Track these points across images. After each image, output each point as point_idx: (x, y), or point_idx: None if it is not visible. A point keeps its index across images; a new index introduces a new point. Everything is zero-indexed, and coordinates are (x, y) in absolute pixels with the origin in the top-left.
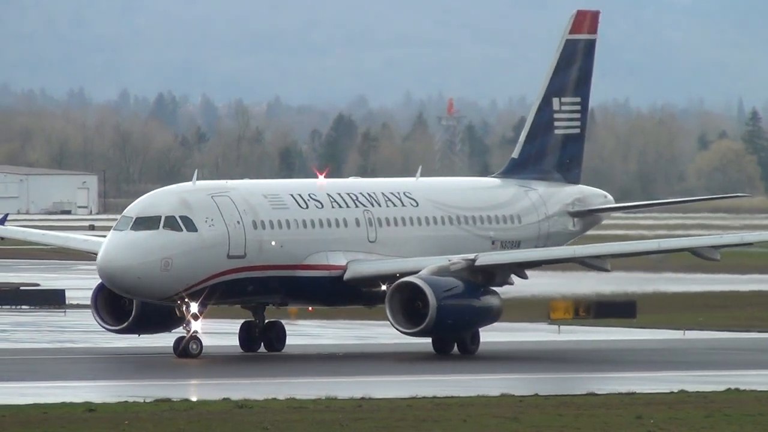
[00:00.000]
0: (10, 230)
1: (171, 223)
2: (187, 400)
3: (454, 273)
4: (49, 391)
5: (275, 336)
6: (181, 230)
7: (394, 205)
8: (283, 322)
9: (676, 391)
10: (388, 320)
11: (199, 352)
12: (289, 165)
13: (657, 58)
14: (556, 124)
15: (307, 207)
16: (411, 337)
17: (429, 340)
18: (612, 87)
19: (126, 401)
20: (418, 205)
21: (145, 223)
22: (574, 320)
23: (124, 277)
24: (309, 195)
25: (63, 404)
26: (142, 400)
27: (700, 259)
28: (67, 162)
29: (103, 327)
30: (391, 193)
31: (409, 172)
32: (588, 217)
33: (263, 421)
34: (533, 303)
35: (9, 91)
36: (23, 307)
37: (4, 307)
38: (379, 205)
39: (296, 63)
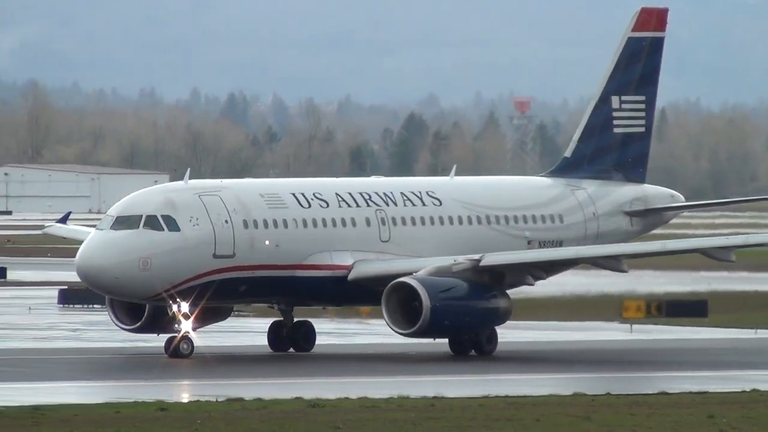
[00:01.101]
0: (70, 229)
1: (152, 222)
2: (259, 400)
3: (457, 273)
4: (121, 390)
5: (303, 336)
6: (163, 230)
7: (413, 205)
8: (360, 320)
9: (748, 390)
10: (384, 320)
11: (190, 353)
12: (360, 164)
13: (729, 57)
14: (616, 122)
15: (310, 206)
16: (407, 338)
17: (429, 340)
18: (683, 86)
19: (198, 400)
20: (441, 204)
21: (125, 222)
22: (646, 319)
23: (101, 277)
24: (314, 194)
25: (135, 403)
26: (215, 399)
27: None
28: (139, 161)
29: (119, 326)
30: (411, 192)
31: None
32: (649, 216)
33: (335, 420)
34: (605, 302)
35: (80, 91)
36: (95, 306)
37: (75, 306)
38: (395, 205)
39: (367, 62)
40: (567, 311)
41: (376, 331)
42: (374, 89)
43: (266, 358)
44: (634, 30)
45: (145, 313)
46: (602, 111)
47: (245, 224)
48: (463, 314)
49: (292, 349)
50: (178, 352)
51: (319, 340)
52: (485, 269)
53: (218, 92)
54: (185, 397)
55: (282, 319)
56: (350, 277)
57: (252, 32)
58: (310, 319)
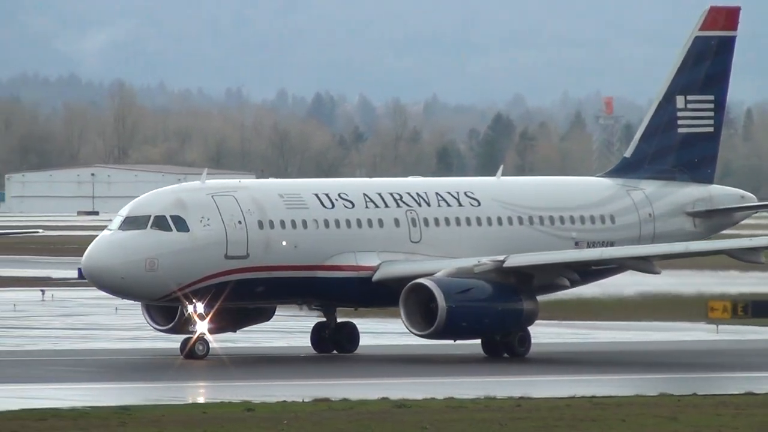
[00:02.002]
0: None
1: (160, 222)
2: (345, 400)
3: (480, 274)
4: (208, 390)
5: (345, 337)
6: (171, 230)
7: (448, 205)
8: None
9: None
10: (402, 321)
11: (206, 354)
12: (446, 164)
13: None
14: (680, 122)
15: (333, 206)
16: (424, 339)
17: (449, 342)
18: None
19: (284, 401)
20: (479, 204)
21: (133, 222)
22: (733, 320)
23: (106, 278)
24: (339, 195)
25: (222, 404)
26: (301, 400)
27: None
28: (225, 161)
29: (153, 327)
30: (447, 193)
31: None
32: (715, 217)
33: (422, 420)
34: (691, 302)
35: (166, 91)
36: None
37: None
38: (428, 205)
39: (453, 62)
40: (652, 312)
41: None
42: (461, 89)
43: (352, 359)
44: (701, 29)
45: (178, 314)
46: (666, 111)
47: (260, 225)
48: (482, 316)
49: (335, 351)
50: (194, 353)
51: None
52: (511, 270)
53: (305, 92)
54: (271, 398)
55: (325, 320)
56: (375, 277)
57: (339, 33)
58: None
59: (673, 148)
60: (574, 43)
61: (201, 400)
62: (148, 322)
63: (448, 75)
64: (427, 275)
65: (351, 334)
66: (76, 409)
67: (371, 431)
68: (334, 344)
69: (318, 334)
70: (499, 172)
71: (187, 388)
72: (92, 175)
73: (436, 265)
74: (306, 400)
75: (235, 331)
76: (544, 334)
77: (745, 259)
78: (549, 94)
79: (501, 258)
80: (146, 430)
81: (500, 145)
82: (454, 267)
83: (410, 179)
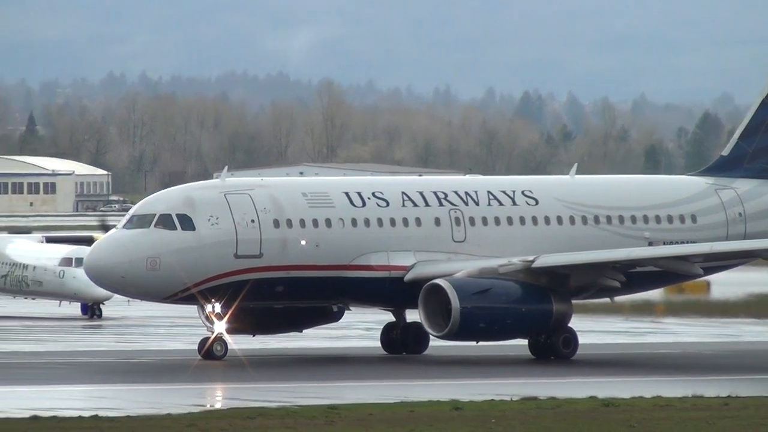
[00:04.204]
0: None
1: (165, 221)
2: (553, 398)
3: (506, 275)
4: (414, 389)
5: (413, 338)
6: (176, 229)
7: (500, 204)
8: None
9: None
10: (421, 321)
11: (224, 354)
12: (654, 163)
13: None
14: None
15: (365, 205)
16: (441, 341)
17: (469, 343)
18: None
19: (492, 399)
20: (537, 203)
21: (139, 221)
22: None
23: (107, 276)
24: (373, 193)
25: (430, 402)
26: (509, 399)
27: None
28: (433, 160)
29: (208, 327)
30: (502, 191)
31: None
32: None
33: (629, 419)
34: None
35: (374, 89)
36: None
37: None
38: (476, 204)
39: (662, 60)
40: None
41: (669, 330)
42: (669, 88)
43: (563, 359)
44: None
45: (227, 315)
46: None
47: (276, 224)
48: (503, 317)
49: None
50: (212, 354)
51: (611, 340)
52: (542, 271)
53: (513, 91)
54: (479, 397)
55: (395, 320)
56: (407, 277)
57: (546, 31)
58: None
59: None
60: None
61: (408, 398)
62: (203, 322)
63: (657, 73)
64: None
65: (418, 335)
66: (284, 407)
67: (579, 430)
68: (403, 345)
69: (387, 335)
70: (573, 170)
71: (393, 387)
72: (300, 173)
73: (465, 266)
74: (514, 398)
75: (300, 331)
76: (748, 332)
77: None
78: (757, 92)
79: (531, 258)
80: (353, 428)
81: (708, 143)
82: (477, 267)
83: (468, 177)
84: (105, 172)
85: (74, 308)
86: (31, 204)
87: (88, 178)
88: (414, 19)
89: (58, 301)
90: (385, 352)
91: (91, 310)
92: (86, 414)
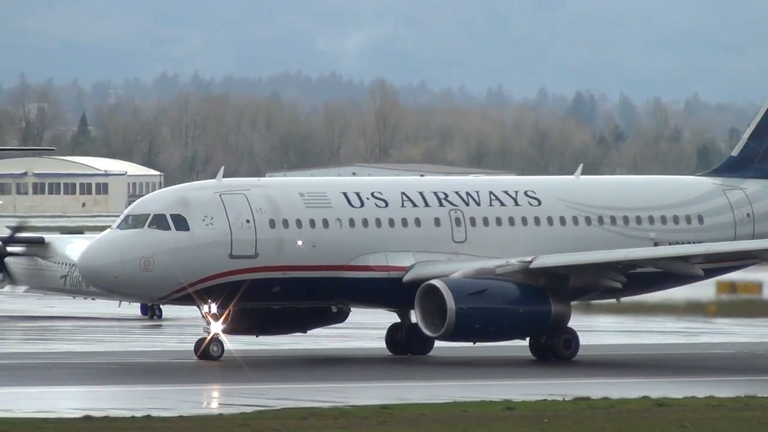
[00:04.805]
0: None
1: (159, 221)
2: (606, 399)
3: (503, 276)
4: (467, 389)
5: (417, 338)
6: (169, 229)
7: (502, 204)
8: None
9: None
10: (417, 322)
11: (220, 355)
12: (706, 163)
13: None
14: None
15: (363, 206)
16: (438, 341)
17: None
18: None
19: (545, 399)
20: (540, 203)
21: (133, 221)
22: None
23: (100, 277)
24: (372, 193)
25: (482, 402)
26: (562, 399)
27: None
28: (485, 160)
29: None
30: (504, 192)
31: None
32: None
33: (682, 419)
34: None
35: (427, 90)
36: None
37: None
38: (477, 204)
39: (714, 61)
40: None
41: (721, 330)
42: (722, 88)
43: (618, 359)
44: None
45: (230, 315)
46: None
47: (272, 224)
48: (500, 318)
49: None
50: (208, 354)
51: (665, 340)
52: (540, 271)
53: (565, 91)
54: (532, 396)
55: (399, 321)
56: (406, 278)
57: (598, 31)
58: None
59: None
60: None
61: (461, 398)
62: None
63: (709, 73)
64: None
65: (423, 336)
66: (337, 407)
67: (631, 430)
68: (407, 346)
69: (392, 336)
70: (578, 171)
71: (444, 387)
72: (353, 174)
73: (467, 266)
74: (566, 398)
75: (305, 332)
76: None
77: None
78: None
79: (528, 259)
80: (405, 428)
81: None
82: (474, 268)
83: (471, 177)
84: (157, 173)
85: (134, 309)
86: (83, 204)
87: (140, 179)
88: (466, 20)
89: (118, 302)
90: (390, 353)
91: (151, 310)
92: (138, 414)
